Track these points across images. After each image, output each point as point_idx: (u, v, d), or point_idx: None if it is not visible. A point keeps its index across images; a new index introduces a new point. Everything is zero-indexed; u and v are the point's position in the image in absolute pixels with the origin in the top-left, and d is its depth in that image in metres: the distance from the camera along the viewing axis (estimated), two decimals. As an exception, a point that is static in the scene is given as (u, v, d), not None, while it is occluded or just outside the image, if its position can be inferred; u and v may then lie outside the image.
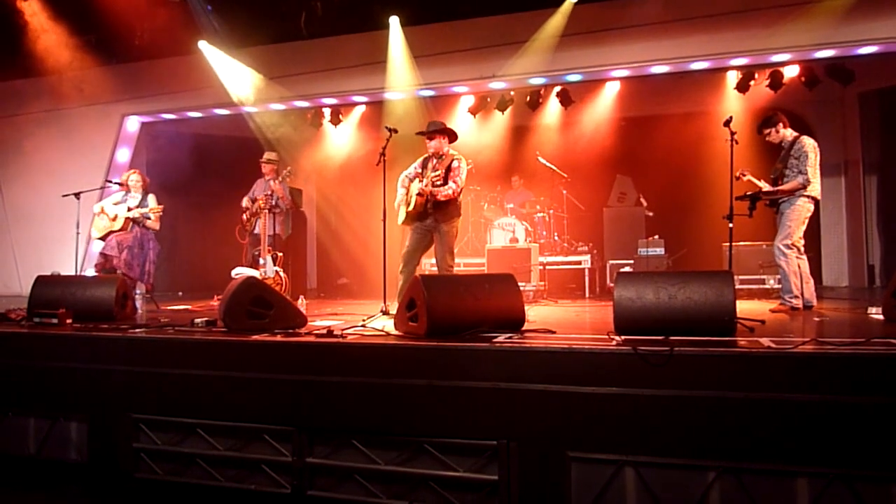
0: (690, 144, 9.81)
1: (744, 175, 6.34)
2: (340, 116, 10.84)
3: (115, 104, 10.60)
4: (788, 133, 6.36)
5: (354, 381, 3.99)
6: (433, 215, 6.42)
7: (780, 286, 6.41)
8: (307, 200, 11.64)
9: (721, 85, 9.46)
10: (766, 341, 3.77)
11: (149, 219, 7.78)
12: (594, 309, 7.19)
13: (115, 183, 8.20)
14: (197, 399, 4.32)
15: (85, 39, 9.91)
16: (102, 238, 7.79)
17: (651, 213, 10.29)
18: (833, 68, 8.71)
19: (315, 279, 12.25)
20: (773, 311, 6.09)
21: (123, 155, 10.88)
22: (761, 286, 8.33)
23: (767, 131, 6.41)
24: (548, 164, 9.78)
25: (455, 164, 6.47)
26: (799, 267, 6.13)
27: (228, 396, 4.24)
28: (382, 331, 4.68)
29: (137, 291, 8.05)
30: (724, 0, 8.01)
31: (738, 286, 5.18)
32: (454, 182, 6.39)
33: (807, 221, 6.16)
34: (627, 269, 9.07)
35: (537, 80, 9.33)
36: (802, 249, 6.19)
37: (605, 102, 10.12)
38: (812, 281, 6.25)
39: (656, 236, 9.48)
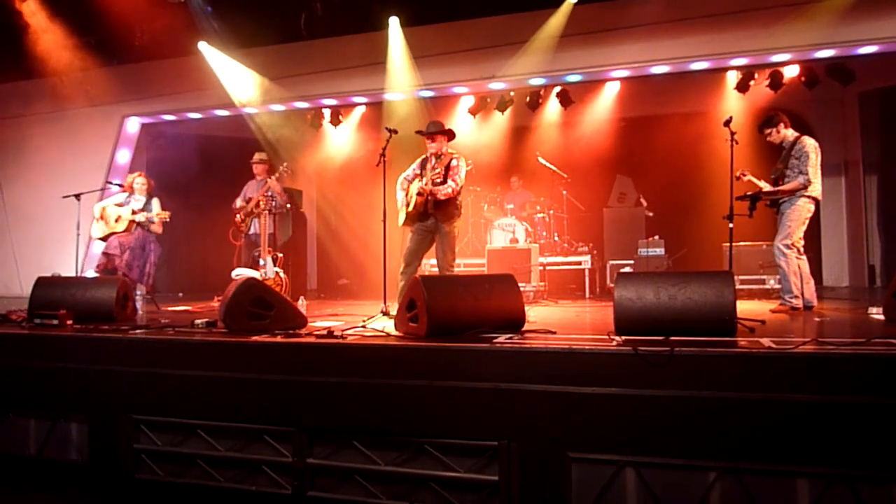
0: (690, 145, 9.82)
1: (744, 175, 6.34)
2: (340, 117, 10.85)
3: (115, 105, 10.61)
4: (790, 133, 6.36)
5: (355, 381, 3.99)
6: (434, 215, 6.42)
7: (780, 286, 6.40)
8: (307, 201, 11.66)
9: (721, 85, 9.47)
10: (766, 341, 3.77)
11: (153, 223, 7.79)
12: (594, 309, 7.19)
13: (117, 185, 8.19)
14: (197, 400, 4.32)
15: (85, 40, 9.92)
16: (103, 239, 7.79)
17: (651, 214, 10.29)
18: (833, 68, 8.71)
19: (315, 280, 12.25)
20: (773, 311, 6.09)
21: (124, 156, 10.89)
22: (761, 286, 8.33)
23: (769, 131, 6.41)
24: (548, 164, 9.78)
25: (454, 162, 6.48)
26: (799, 267, 6.12)
27: (229, 397, 4.24)
28: (383, 331, 4.68)
29: (138, 293, 8.05)
30: (724, 0, 8.01)
31: (738, 286, 5.19)
32: (453, 180, 6.39)
33: (807, 222, 6.16)
34: (627, 269, 9.07)
35: (537, 81, 9.33)
36: (802, 250, 6.19)
37: (604, 103, 10.12)
38: (812, 281, 6.25)
39: (656, 237, 9.48)
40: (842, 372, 3.26)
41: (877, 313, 5.40)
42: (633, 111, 10.36)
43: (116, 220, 7.78)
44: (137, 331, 4.90)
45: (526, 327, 4.62)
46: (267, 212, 7.88)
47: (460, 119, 10.27)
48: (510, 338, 4.16)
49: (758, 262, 8.34)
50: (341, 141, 11.38)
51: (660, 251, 9.30)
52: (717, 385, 3.36)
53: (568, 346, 3.73)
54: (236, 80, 9.78)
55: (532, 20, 8.52)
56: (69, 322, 5.24)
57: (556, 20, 8.43)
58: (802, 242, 6.19)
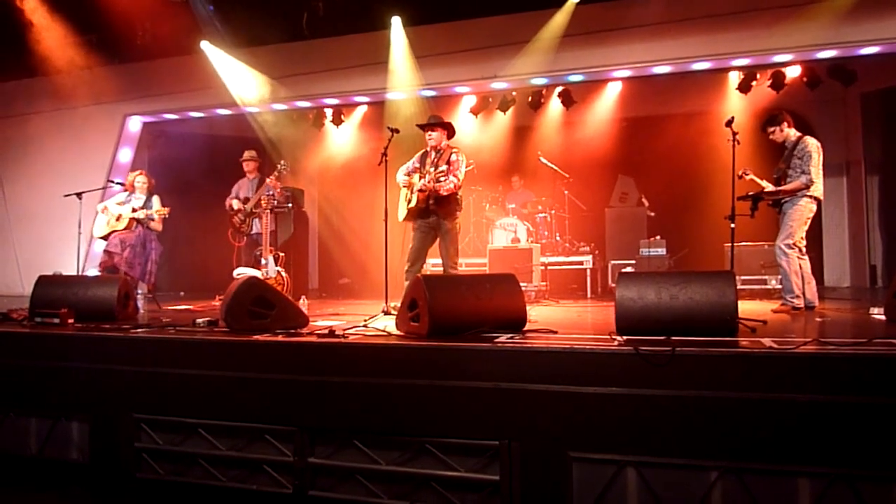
0: (692, 145, 9.81)
1: (746, 174, 6.33)
2: (342, 116, 10.84)
3: (117, 104, 10.62)
4: (792, 133, 6.35)
5: (356, 381, 4.00)
6: (435, 212, 6.43)
7: (781, 286, 6.40)
8: (309, 200, 11.65)
9: (723, 85, 9.46)
10: (767, 341, 3.77)
11: (153, 220, 7.79)
12: (596, 309, 7.19)
13: (118, 183, 8.20)
14: (198, 399, 4.32)
15: (87, 39, 9.92)
16: (104, 237, 7.80)
17: (653, 214, 10.28)
18: (835, 69, 8.70)
19: (317, 279, 12.26)
20: (774, 311, 6.09)
21: (125, 155, 10.90)
22: (763, 286, 8.33)
23: (772, 129, 6.40)
24: (549, 164, 9.78)
25: (454, 157, 6.49)
26: (800, 267, 6.12)
27: (230, 396, 4.24)
28: (384, 331, 4.69)
29: (139, 291, 8.05)
30: (726, 0, 8.00)
31: (739, 286, 5.19)
32: (454, 176, 6.40)
33: (809, 222, 6.15)
34: (629, 269, 9.07)
35: (539, 81, 9.32)
36: (804, 249, 6.18)
37: (606, 103, 10.12)
38: (814, 281, 6.24)
39: (658, 236, 9.47)
40: (843, 372, 3.26)
41: (878, 313, 5.40)
42: (635, 111, 10.36)
43: (118, 219, 7.79)
44: (139, 330, 4.91)
45: (527, 327, 4.62)
46: (268, 210, 7.87)
47: (462, 119, 10.26)
48: (511, 337, 4.16)
49: (759, 262, 8.33)
50: (343, 140, 11.38)
51: (661, 251, 9.30)
52: (719, 385, 3.36)
53: (569, 345, 3.73)
54: (238, 79, 9.78)
55: (534, 20, 8.52)
56: (70, 321, 5.25)
57: (559, 20, 8.42)
58: (804, 242, 6.18)
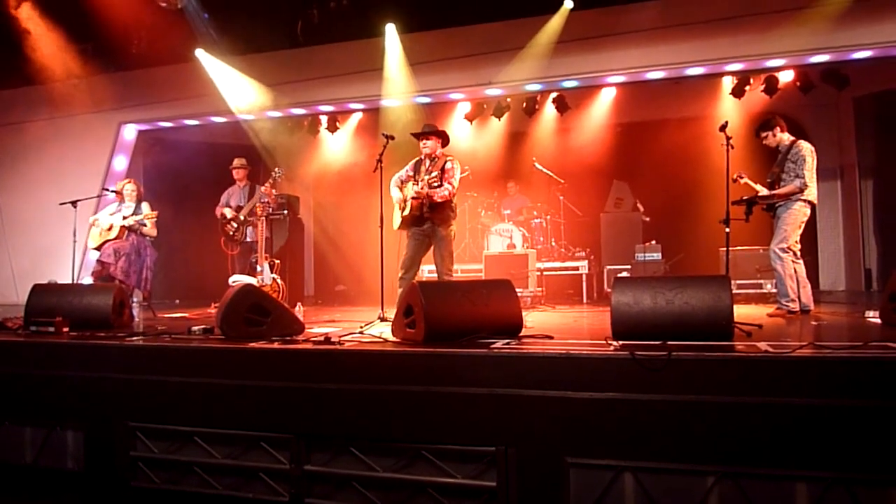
0: (687, 150, 9.82)
1: (741, 177, 6.34)
2: (337, 124, 10.85)
3: (112, 112, 10.60)
4: (786, 137, 6.38)
5: (352, 387, 3.99)
6: (430, 219, 6.42)
7: (776, 290, 6.41)
8: (304, 207, 11.65)
9: (717, 90, 9.49)
10: (763, 345, 3.78)
11: (144, 225, 7.77)
12: (592, 314, 7.19)
13: (113, 191, 8.19)
14: (194, 407, 4.30)
15: (82, 47, 9.91)
16: (98, 248, 7.79)
17: (648, 219, 10.30)
18: (828, 73, 8.74)
19: (312, 286, 12.24)
20: (770, 315, 6.10)
21: (121, 163, 10.88)
22: (758, 290, 8.35)
23: (765, 134, 6.43)
24: (544, 170, 9.80)
25: (448, 164, 6.49)
26: (795, 271, 6.13)
27: (226, 404, 4.23)
28: (380, 337, 4.68)
29: (134, 299, 8.03)
30: (720, 6, 8.04)
31: (735, 291, 5.20)
32: (449, 183, 6.40)
33: (803, 225, 6.17)
34: (625, 274, 9.07)
35: (533, 87, 9.35)
36: (799, 253, 6.20)
37: (601, 108, 10.15)
38: (809, 285, 6.25)
39: (653, 241, 9.49)
40: (839, 375, 3.26)
41: (873, 317, 5.41)
42: (630, 117, 10.39)
43: (109, 229, 7.78)
44: (134, 338, 4.89)
45: (523, 333, 4.62)
46: (264, 217, 7.86)
47: (457, 125, 10.28)
48: (508, 343, 4.16)
49: (755, 267, 8.36)
50: (338, 147, 11.37)
51: (657, 256, 9.32)
52: (715, 389, 3.37)
53: (565, 351, 3.73)
54: (233, 86, 9.78)
55: (528, 26, 8.54)
56: (65, 329, 5.23)
57: (553, 26, 8.44)
58: (799, 246, 6.19)
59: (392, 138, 6.53)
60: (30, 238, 10.81)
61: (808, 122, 10.11)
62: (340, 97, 9.87)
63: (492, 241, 9.73)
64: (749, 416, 3.30)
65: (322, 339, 4.45)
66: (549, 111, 10.19)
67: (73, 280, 8.32)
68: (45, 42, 9.70)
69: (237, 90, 9.80)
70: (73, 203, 7.97)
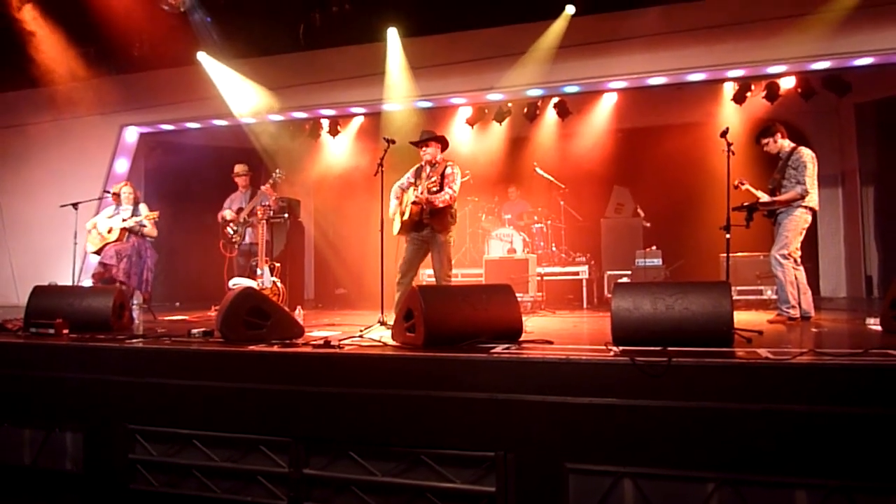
0: (687, 155, 9.83)
1: (742, 184, 6.34)
2: (338, 127, 10.87)
3: (113, 115, 10.62)
4: (786, 144, 6.38)
5: (351, 391, 3.98)
6: (429, 224, 6.41)
7: (777, 297, 6.40)
8: (305, 211, 11.65)
9: (718, 96, 9.49)
10: (763, 352, 3.77)
11: (145, 226, 7.79)
12: (592, 319, 7.19)
13: (114, 194, 8.19)
14: (193, 410, 4.30)
15: (84, 50, 9.93)
16: (98, 252, 7.80)
17: (648, 224, 10.30)
18: (830, 80, 8.75)
19: (312, 289, 12.24)
20: (770, 321, 6.09)
21: (122, 165, 10.90)
22: (759, 297, 8.34)
23: (765, 141, 6.43)
24: (545, 174, 9.80)
25: (449, 170, 6.49)
26: (796, 277, 6.12)
27: (225, 407, 4.23)
28: (380, 341, 4.68)
29: (134, 301, 8.03)
30: (721, 12, 8.05)
31: (735, 297, 5.19)
32: (450, 188, 6.40)
33: (804, 232, 6.17)
34: (625, 279, 9.07)
35: (535, 92, 9.36)
36: (799, 260, 6.19)
37: (602, 114, 10.15)
38: (809, 292, 6.25)
39: (654, 247, 9.48)
40: (839, 383, 3.26)
41: (874, 324, 5.40)
42: (631, 122, 10.39)
43: (109, 232, 7.79)
44: (134, 340, 4.89)
45: (523, 337, 4.61)
46: (264, 221, 7.86)
47: (458, 129, 10.30)
48: (507, 348, 4.15)
49: (755, 273, 8.35)
50: (339, 151, 11.39)
51: (657, 261, 9.31)
52: (715, 395, 3.36)
53: (565, 356, 3.72)
54: (235, 90, 9.80)
55: (530, 32, 8.55)
56: (65, 331, 5.23)
57: (554, 31, 8.46)
58: (800, 253, 6.19)
59: (393, 142, 6.53)
60: (30, 239, 10.82)
61: (810, 129, 10.12)
62: (342, 101, 9.88)
63: (492, 245, 9.73)
64: (749, 423, 3.29)
65: (322, 342, 4.45)
66: (550, 116, 10.21)
67: (73, 282, 8.32)
68: (48, 44, 9.72)
69: (239, 93, 9.82)
70: (74, 205, 7.97)
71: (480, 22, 8.80)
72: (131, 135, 10.96)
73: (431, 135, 6.65)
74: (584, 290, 9.42)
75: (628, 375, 3.48)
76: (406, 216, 6.43)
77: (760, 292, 8.36)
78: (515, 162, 10.66)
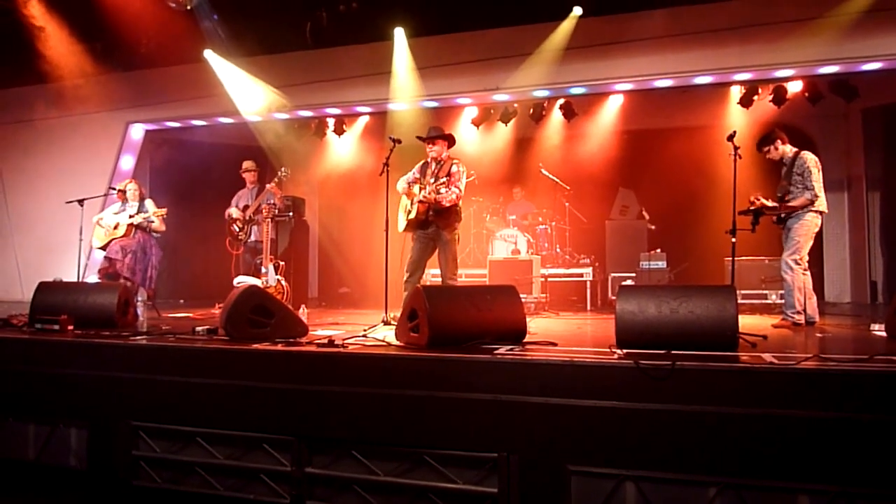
0: (693, 158, 9.81)
1: (757, 200, 6.29)
2: (344, 126, 10.86)
3: (119, 111, 10.64)
4: (788, 149, 6.37)
5: (355, 391, 3.99)
6: (435, 222, 6.42)
7: (782, 301, 6.39)
8: (310, 209, 11.66)
9: (724, 99, 9.47)
10: (768, 357, 3.77)
11: (153, 222, 7.82)
12: (595, 322, 7.18)
13: (120, 191, 8.21)
14: (197, 407, 4.31)
15: (91, 47, 9.94)
16: (103, 247, 7.82)
17: (653, 227, 10.29)
18: (837, 84, 8.71)
19: (316, 288, 12.25)
20: (775, 326, 6.08)
21: (127, 162, 10.91)
22: (763, 301, 8.32)
23: (766, 149, 6.42)
24: (550, 175, 9.80)
25: (454, 168, 6.49)
26: (803, 283, 6.12)
27: (228, 405, 4.24)
28: (383, 341, 4.68)
29: (139, 298, 8.05)
30: (728, 15, 8.02)
31: (739, 301, 5.17)
32: (456, 187, 6.41)
33: (814, 236, 6.17)
34: (629, 282, 9.06)
35: (541, 93, 9.34)
36: (806, 265, 6.18)
37: (608, 115, 10.13)
38: (815, 297, 6.24)
39: (658, 250, 9.47)
40: (844, 389, 3.25)
41: (879, 330, 5.39)
42: (637, 124, 10.37)
43: (115, 228, 7.81)
44: (138, 337, 4.91)
45: (527, 339, 4.61)
46: (269, 219, 7.87)
47: (464, 130, 10.29)
48: (511, 349, 4.15)
49: (760, 277, 8.33)
50: (345, 150, 11.39)
51: (662, 264, 9.30)
52: (719, 400, 3.36)
53: (569, 358, 3.72)
54: (241, 88, 9.80)
55: (537, 33, 8.54)
56: (70, 327, 5.25)
57: (561, 33, 8.44)
58: (807, 258, 6.18)
59: (399, 142, 6.54)
60: (36, 235, 10.84)
61: (816, 133, 10.09)
62: (348, 100, 9.88)
63: (496, 246, 9.72)
64: (752, 428, 3.29)
65: (325, 341, 4.45)
66: (556, 117, 10.19)
67: (78, 278, 8.34)
68: (54, 40, 9.73)
69: (245, 92, 9.82)
70: (80, 201, 8.00)
71: (487, 22, 8.78)
72: (137, 132, 10.97)
73: (439, 132, 6.66)
74: (588, 291, 9.41)
75: (632, 379, 3.48)
76: (412, 215, 6.44)
77: (765, 296, 8.35)
78: (520, 163, 10.65)
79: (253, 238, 8.36)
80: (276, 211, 8.05)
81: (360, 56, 9.40)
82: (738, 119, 9.22)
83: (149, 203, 7.95)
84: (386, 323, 5.83)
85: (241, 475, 4.17)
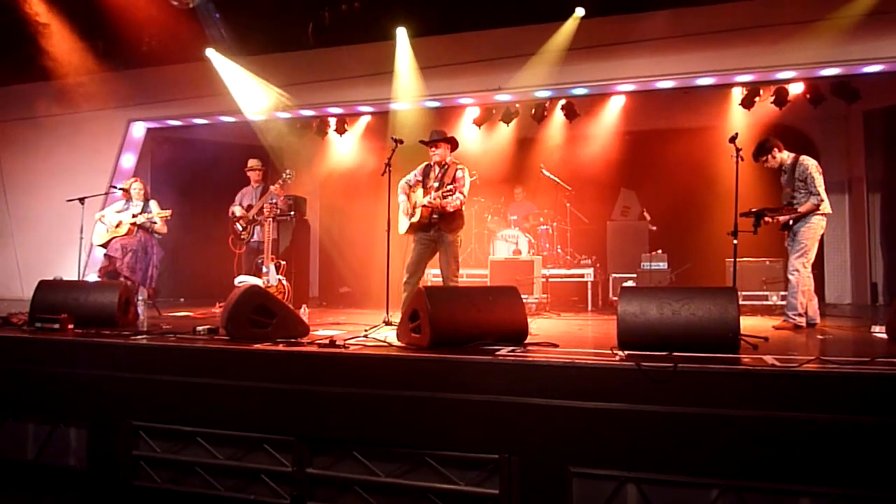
0: (695, 159, 9.81)
1: (772, 218, 6.28)
2: (346, 126, 10.86)
3: (121, 110, 10.63)
4: (786, 155, 6.37)
5: (356, 391, 3.99)
6: (438, 225, 6.41)
7: (783, 303, 6.39)
8: (311, 209, 11.66)
9: (726, 101, 9.47)
10: (769, 359, 3.77)
11: (155, 223, 7.82)
12: (597, 322, 7.18)
13: (121, 189, 8.21)
14: (197, 407, 4.31)
15: (93, 45, 9.94)
16: (104, 245, 7.82)
17: (654, 228, 10.28)
18: (838, 86, 8.71)
19: (317, 288, 12.24)
20: (776, 328, 6.08)
21: (129, 160, 10.91)
22: (764, 302, 8.31)
23: (764, 158, 6.42)
24: (552, 176, 9.79)
25: (459, 173, 6.47)
26: (807, 286, 6.12)
27: (229, 405, 4.23)
28: (385, 341, 4.68)
29: (140, 297, 8.05)
30: (730, 17, 8.01)
31: (741, 302, 5.17)
32: (461, 192, 6.39)
33: (820, 238, 6.18)
34: (630, 283, 9.05)
35: (543, 93, 9.34)
36: (810, 268, 6.19)
37: (610, 116, 10.13)
38: (816, 298, 6.25)
39: (659, 251, 9.46)
40: (845, 391, 3.25)
41: (880, 332, 5.39)
42: (639, 125, 10.37)
43: (117, 226, 7.81)
44: (139, 336, 4.90)
45: (528, 340, 4.61)
46: (271, 219, 7.87)
47: (465, 130, 10.28)
48: (512, 350, 4.15)
49: (761, 278, 8.33)
50: (346, 150, 11.39)
51: (663, 265, 9.29)
52: (720, 402, 3.36)
53: (570, 360, 3.72)
54: (243, 86, 9.80)
55: (539, 33, 8.53)
56: (70, 326, 5.24)
57: (564, 33, 8.44)
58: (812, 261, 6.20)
59: (401, 142, 6.53)
60: (36, 233, 10.84)
61: (818, 135, 10.09)
62: (350, 100, 9.88)
63: (497, 246, 9.71)
64: (754, 430, 3.29)
65: (327, 342, 4.45)
66: (557, 118, 10.19)
67: (78, 277, 8.34)
68: (57, 38, 9.73)
69: (246, 90, 9.82)
70: (81, 200, 7.99)
71: (490, 23, 8.77)
72: (139, 130, 10.97)
73: (442, 135, 6.62)
74: (590, 292, 9.40)
75: (634, 380, 3.48)
76: (416, 218, 6.42)
77: (766, 298, 8.34)
78: (522, 163, 10.65)
79: (256, 238, 8.35)
80: (278, 211, 8.05)
81: (362, 56, 9.40)
82: (739, 120, 9.22)
83: (153, 204, 7.95)
84: (387, 323, 5.83)
85: (242, 475, 4.16)
